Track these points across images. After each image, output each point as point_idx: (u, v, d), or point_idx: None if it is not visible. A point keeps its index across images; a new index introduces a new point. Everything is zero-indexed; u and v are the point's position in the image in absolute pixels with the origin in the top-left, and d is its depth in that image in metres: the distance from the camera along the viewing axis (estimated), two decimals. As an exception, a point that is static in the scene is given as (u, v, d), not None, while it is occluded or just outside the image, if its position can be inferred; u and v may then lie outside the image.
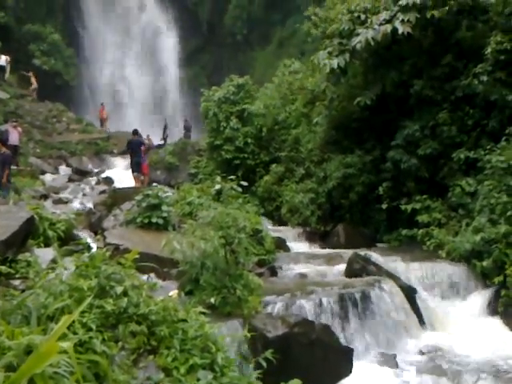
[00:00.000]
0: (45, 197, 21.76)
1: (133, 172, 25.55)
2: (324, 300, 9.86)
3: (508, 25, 14.67)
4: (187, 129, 41.87)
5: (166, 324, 6.47)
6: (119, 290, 6.37)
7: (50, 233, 12.25)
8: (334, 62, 16.50)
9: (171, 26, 59.09)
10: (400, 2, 15.68)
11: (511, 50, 14.48)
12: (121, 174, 31.56)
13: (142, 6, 58.35)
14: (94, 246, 12.92)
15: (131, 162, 25.75)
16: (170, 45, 58.63)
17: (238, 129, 25.64)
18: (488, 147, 14.21)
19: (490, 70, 14.81)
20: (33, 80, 43.97)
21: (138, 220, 14.07)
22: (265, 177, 23.59)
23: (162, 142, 42.86)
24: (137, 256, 7.34)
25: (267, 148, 25.54)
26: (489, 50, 14.72)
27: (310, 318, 9.20)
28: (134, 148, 25.31)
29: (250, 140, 25.48)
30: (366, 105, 16.97)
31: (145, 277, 8.51)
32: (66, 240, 12.47)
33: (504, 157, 13.11)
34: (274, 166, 23.49)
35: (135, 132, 26.39)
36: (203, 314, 7.03)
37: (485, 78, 14.74)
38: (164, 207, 14.23)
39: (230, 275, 8.98)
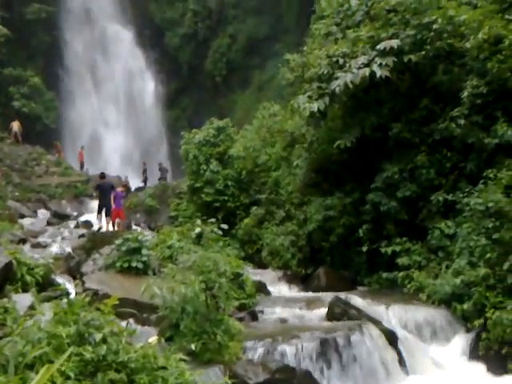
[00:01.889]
0: (23, 241, 21.52)
1: (98, 214, 25.48)
2: (305, 345, 9.79)
3: (484, 69, 14.92)
4: (163, 172, 42.18)
5: (146, 372, 6.39)
6: (98, 337, 6.29)
7: (28, 278, 12.09)
8: (314, 106, 16.64)
9: (152, 69, 59.49)
10: (378, 47, 15.93)
11: (487, 94, 14.73)
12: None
13: (123, 50, 58.72)
14: (72, 291, 12.79)
15: (99, 205, 25.70)
16: (150, 88, 58.97)
17: (218, 171, 25.71)
18: (466, 190, 14.33)
19: (467, 113, 15.02)
20: (13, 125, 44.21)
21: (118, 264, 13.94)
22: (245, 219, 23.57)
23: (142, 184, 42.89)
24: (116, 302, 7.26)
25: (247, 190, 25.58)
26: (465, 93, 14.96)
27: (291, 364, 9.13)
28: (104, 191, 25.30)
29: (230, 182, 25.53)
30: (345, 147, 17.09)
31: (124, 323, 8.40)
32: (45, 285, 12.34)
33: (482, 199, 13.18)
34: (254, 208, 23.50)
35: (103, 175, 26.49)
36: (183, 360, 6.95)
37: (462, 122, 14.94)
38: (144, 251, 14.14)
39: (210, 320, 8.92)
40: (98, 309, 6.93)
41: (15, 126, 44.37)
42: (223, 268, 9.40)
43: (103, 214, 25.48)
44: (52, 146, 46.18)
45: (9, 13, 49.95)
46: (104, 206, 25.37)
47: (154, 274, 13.37)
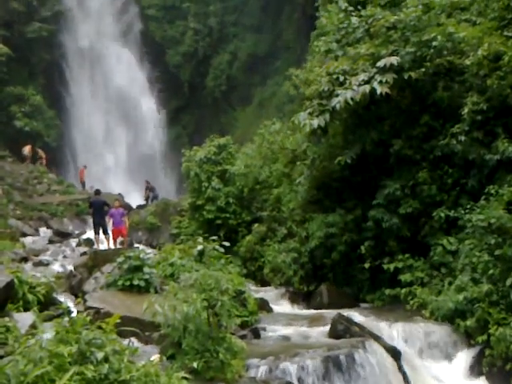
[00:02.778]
0: (25, 259, 21.57)
1: (95, 233, 25.42)
2: (308, 363, 9.74)
3: (484, 86, 14.97)
4: (151, 190, 42.47)
5: (148, 390, 6.36)
6: (100, 355, 6.26)
7: (30, 297, 12.08)
8: (315, 123, 16.67)
9: (152, 87, 59.74)
10: (378, 64, 15.99)
11: (487, 110, 14.77)
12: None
13: (124, 68, 58.97)
14: (74, 309, 12.76)
15: (93, 222, 25.65)
16: (151, 106, 59.15)
17: (220, 189, 25.68)
18: (468, 206, 14.32)
19: (468, 129, 15.05)
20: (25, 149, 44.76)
21: (120, 282, 13.90)
22: (247, 237, 23.52)
23: (144, 202, 42.90)
24: (118, 320, 7.24)
25: (249, 208, 25.56)
26: (465, 110, 14.98)
27: (294, 382, 9.07)
28: (96, 208, 25.29)
29: (231, 200, 25.50)
30: (346, 164, 17.10)
31: (126, 341, 8.36)
32: (46, 304, 12.31)
33: (484, 216, 13.17)
34: (255, 225, 23.45)
35: (97, 192, 26.55)
36: (186, 379, 6.93)
37: (462, 138, 14.97)
38: (146, 269, 14.10)
39: (212, 338, 8.88)
40: (99, 327, 6.90)
41: (27, 150, 44.89)
42: (225, 286, 9.36)
43: (100, 233, 25.44)
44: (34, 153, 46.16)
45: (9, 32, 50.37)
46: (98, 223, 25.34)
47: (156, 292, 13.34)
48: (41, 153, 46.53)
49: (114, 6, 60.62)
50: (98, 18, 59.22)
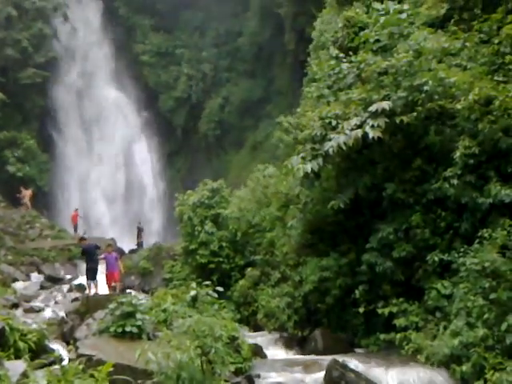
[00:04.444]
0: (16, 305, 21.39)
1: (87, 279, 25.13)
2: (303, 411, 9.60)
3: (475, 130, 15.07)
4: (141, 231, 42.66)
5: None
6: (92, 406, 6.16)
7: (21, 344, 11.94)
8: (308, 167, 16.72)
9: (146, 131, 60.09)
10: (370, 109, 16.12)
11: (479, 154, 14.83)
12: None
13: (118, 113, 59.39)
14: (66, 357, 12.59)
15: (86, 268, 25.41)
16: (144, 150, 59.45)
17: (213, 233, 25.65)
18: (462, 250, 14.27)
19: (460, 173, 15.08)
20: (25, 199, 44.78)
21: (112, 329, 13.74)
22: (240, 281, 23.40)
23: (136, 246, 42.76)
24: (110, 368, 7.15)
25: (242, 252, 25.49)
26: (457, 154, 15.05)
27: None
28: (91, 254, 25.13)
29: (225, 244, 25.45)
30: (339, 208, 17.09)
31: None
32: (38, 351, 12.18)
33: (478, 259, 13.15)
34: (249, 269, 23.35)
35: (83, 238, 26.57)
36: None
37: (455, 182, 14.99)
38: (138, 315, 13.96)
39: (206, 387, 8.76)
40: (92, 376, 6.81)
41: (26, 196, 45.05)
42: (219, 332, 9.29)
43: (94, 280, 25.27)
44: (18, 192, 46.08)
45: (4, 78, 50.77)
46: (93, 268, 25.11)
47: (149, 339, 13.20)
48: (24, 192, 46.17)
49: (108, 51, 61.30)
50: (92, 64, 59.83)
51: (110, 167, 57.60)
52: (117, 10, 61.30)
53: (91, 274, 24.91)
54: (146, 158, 59.28)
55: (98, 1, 62.05)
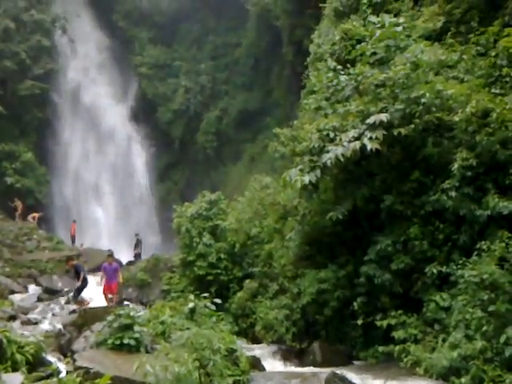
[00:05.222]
0: (13, 318, 21.29)
1: (77, 296, 25.38)
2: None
3: (473, 142, 15.12)
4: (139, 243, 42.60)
5: None
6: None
7: (19, 357, 11.88)
8: (306, 179, 16.75)
9: (144, 143, 60.15)
10: (367, 121, 16.17)
11: (477, 166, 14.87)
12: (91, 292, 31.01)
13: (116, 125, 59.48)
14: (63, 370, 12.53)
15: (82, 286, 25.63)
16: (142, 162, 59.48)
17: (211, 244, 25.63)
18: (460, 262, 14.26)
19: (458, 185, 15.11)
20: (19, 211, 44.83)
21: (110, 341, 13.67)
22: (238, 293, 23.36)
23: (133, 258, 42.65)
24: (108, 381, 7.12)
25: (240, 263, 25.46)
26: (455, 166, 15.08)
27: None
28: (81, 272, 25.34)
29: (223, 255, 25.42)
30: (338, 220, 17.11)
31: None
32: (35, 364, 12.11)
33: (476, 271, 13.15)
34: (247, 281, 23.32)
35: (71, 258, 26.64)
36: None
37: (453, 194, 15.02)
38: (136, 327, 13.90)
39: (204, 400, 8.73)
40: (89, 389, 6.78)
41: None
42: (217, 345, 9.26)
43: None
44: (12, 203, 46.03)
45: (2, 90, 50.80)
46: (84, 286, 25.40)
47: (147, 352, 13.14)
48: (17, 202, 46.19)
49: (107, 63, 61.48)
50: (90, 76, 59.94)
51: (108, 178, 57.61)
52: (115, 22, 61.49)
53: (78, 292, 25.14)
54: (143, 169, 59.29)
55: (96, 13, 62.24)
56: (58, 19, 56.48)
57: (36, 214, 45.93)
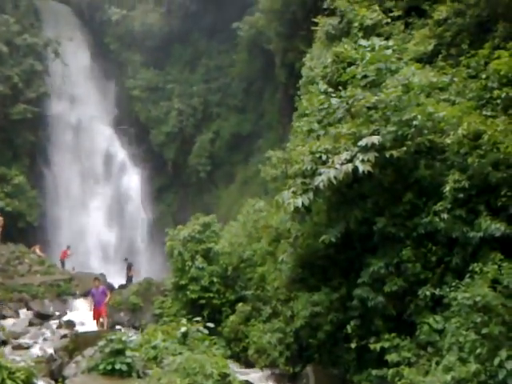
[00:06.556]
0: (4, 343, 21.17)
1: None
2: None
3: (465, 164, 15.15)
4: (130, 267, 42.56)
5: None
6: None
7: (10, 383, 11.77)
8: (298, 201, 16.73)
9: (137, 165, 60.09)
10: (359, 143, 16.19)
11: (469, 188, 14.88)
12: (83, 316, 30.83)
13: (108, 148, 59.46)
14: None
15: None
16: (135, 184, 59.32)
17: (204, 268, 25.54)
18: (453, 284, 14.22)
19: (450, 207, 15.12)
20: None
21: (101, 367, 13.59)
22: (231, 316, 23.26)
23: (125, 282, 42.53)
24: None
25: (233, 287, 25.38)
26: (447, 188, 15.10)
27: None
28: None
29: (215, 279, 25.33)
30: (331, 242, 17.07)
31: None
32: (26, 390, 11.99)
33: (469, 294, 13.09)
34: (240, 305, 23.22)
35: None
36: None
37: (445, 216, 15.01)
38: (128, 352, 13.82)
39: (196, 426, 8.63)
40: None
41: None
42: (209, 370, 9.20)
43: None
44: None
45: (-5, 113, 50.79)
46: None
47: (139, 377, 13.04)
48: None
49: (99, 86, 61.62)
50: (83, 99, 59.99)
51: (100, 202, 57.48)
52: (107, 45, 61.73)
53: None
54: (136, 192, 59.17)
55: (88, 36, 62.50)
56: (50, 43, 56.54)
57: (36, 246, 45.51)
